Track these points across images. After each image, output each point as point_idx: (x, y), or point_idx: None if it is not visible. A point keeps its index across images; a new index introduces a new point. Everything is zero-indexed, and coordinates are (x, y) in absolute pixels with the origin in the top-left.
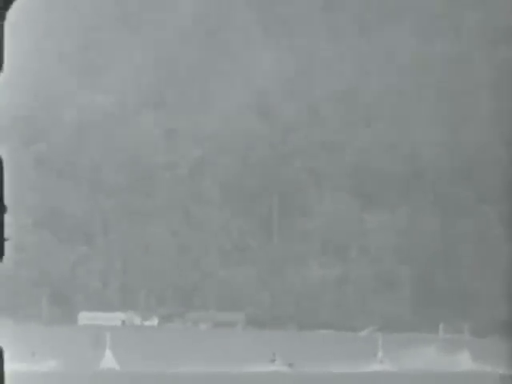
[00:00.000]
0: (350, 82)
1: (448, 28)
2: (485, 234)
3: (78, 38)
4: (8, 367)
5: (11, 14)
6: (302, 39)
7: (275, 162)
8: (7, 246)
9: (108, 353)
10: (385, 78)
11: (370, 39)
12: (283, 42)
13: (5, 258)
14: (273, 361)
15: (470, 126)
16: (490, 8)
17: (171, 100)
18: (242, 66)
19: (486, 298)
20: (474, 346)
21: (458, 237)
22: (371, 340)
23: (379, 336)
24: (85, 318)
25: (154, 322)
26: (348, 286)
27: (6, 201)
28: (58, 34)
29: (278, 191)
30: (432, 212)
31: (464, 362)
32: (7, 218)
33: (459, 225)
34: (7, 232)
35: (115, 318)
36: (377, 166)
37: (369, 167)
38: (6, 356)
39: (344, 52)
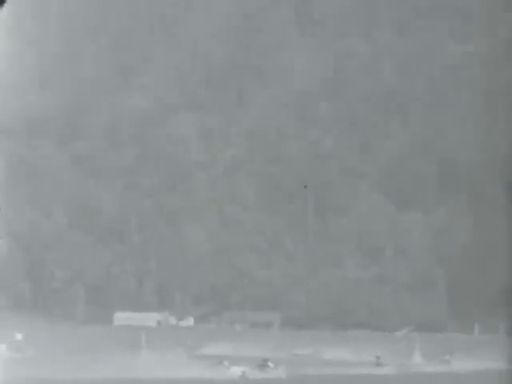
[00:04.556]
0: (387, 83)
1: (485, 28)
2: None
3: (114, 38)
4: None
5: (46, 15)
6: (338, 39)
7: (311, 162)
8: (42, 245)
9: (144, 354)
10: (422, 79)
11: (407, 39)
12: (320, 42)
13: (39, 257)
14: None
15: (506, 126)
16: None
17: (207, 100)
18: (278, 65)
19: None
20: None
21: (493, 237)
22: (408, 340)
23: (416, 336)
24: (120, 318)
25: (190, 322)
26: (384, 286)
27: (42, 200)
28: (94, 35)
29: (314, 191)
30: (467, 212)
31: None
32: (41, 217)
33: (494, 225)
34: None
35: (150, 318)
36: (412, 166)
37: (404, 168)
38: None
39: (381, 52)
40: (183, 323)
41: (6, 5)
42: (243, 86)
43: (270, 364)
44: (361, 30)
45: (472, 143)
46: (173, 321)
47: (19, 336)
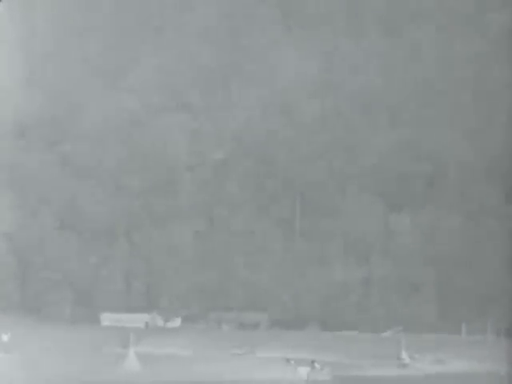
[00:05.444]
0: (374, 82)
1: (473, 28)
2: (510, 234)
3: (101, 38)
4: None
5: (34, 15)
6: (325, 38)
7: (298, 163)
8: (30, 246)
9: (131, 354)
10: (408, 78)
11: (394, 39)
12: (306, 42)
13: (28, 259)
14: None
15: (495, 125)
16: None
17: (194, 101)
18: (264, 65)
19: (511, 298)
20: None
21: (483, 237)
22: (394, 341)
23: (402, 337)
24: (107, 319)
25: (177, 323)
26: (371, 287)
27: (30, 202)
28: (80, 35)
29: (301, 192)
30: (456, 212)
31: None
32: (29, 218)
33: (484, 225)
34: (31, 232)
35: (138, 319)
36: (400, 166)
37: (392, 167)
38: None
39: (368, 51)
40: (170, 324)
41: None
42: (231, 86)
43: (317, 365)
44: (348, 29)
45: (461, 141)
46: (160, 322)
47: (5, 337)
